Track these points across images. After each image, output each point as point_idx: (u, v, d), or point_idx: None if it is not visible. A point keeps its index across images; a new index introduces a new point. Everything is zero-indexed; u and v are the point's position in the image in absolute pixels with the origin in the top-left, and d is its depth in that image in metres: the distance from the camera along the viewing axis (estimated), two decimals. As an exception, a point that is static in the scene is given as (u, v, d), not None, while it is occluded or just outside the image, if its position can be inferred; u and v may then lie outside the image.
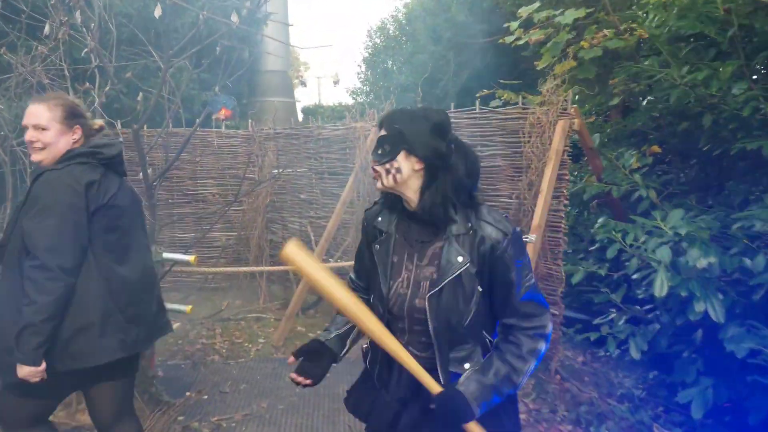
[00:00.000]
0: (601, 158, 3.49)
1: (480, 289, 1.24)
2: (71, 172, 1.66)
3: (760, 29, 2.72)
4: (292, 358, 1.37)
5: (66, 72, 2.95)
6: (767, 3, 2.60)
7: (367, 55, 12.17)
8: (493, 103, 4.05)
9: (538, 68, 3.75)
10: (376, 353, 1.38)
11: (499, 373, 1.21)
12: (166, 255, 2.75)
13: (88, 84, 2.96)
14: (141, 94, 3.06)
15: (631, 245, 2.48)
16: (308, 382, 1.33)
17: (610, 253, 2.56)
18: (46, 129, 1.70)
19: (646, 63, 3.15)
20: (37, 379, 1.59)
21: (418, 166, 1.23)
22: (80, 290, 1.64)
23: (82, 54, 2.87)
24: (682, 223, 2.24)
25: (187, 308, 2.82)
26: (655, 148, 3.53)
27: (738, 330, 2.04)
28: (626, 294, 2.78)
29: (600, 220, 3.03)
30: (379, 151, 1.25)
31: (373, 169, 1.28)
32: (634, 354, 2.44)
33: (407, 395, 1.32)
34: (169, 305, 2.84)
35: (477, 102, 3.60)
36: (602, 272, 2.86)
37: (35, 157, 1.73)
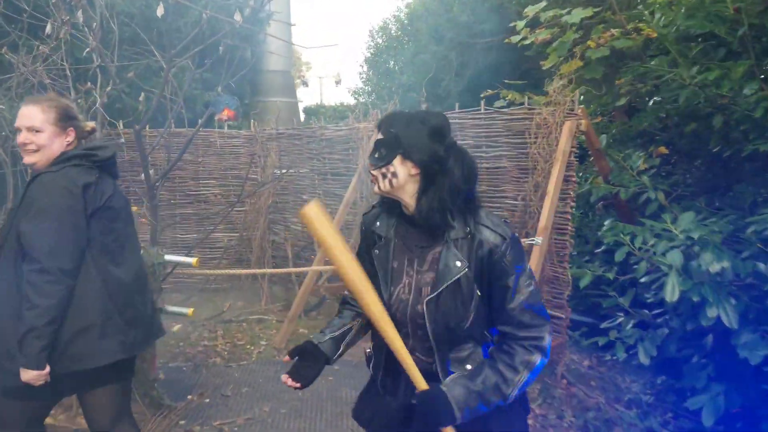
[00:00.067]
0: (607, 159, 3.45)
1: (479, 294, 1.23)
2: (67, 174, 1.65)
3: (772, 29, 2.69)
4: (287, 357, 1.37)
5: (67, 72, 2.93)
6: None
7: (369, 55, 12.16)
8: (498, 104, 4.01)
9: (544, 68, 3.71)
10: (380, 358, 1.36)
11: (488, 381, 1.19)
12: (168, 257, 2.72)
13: (89, 84, 2.93)
14: (143, 94, 3.04)
15: (639, 248, 2.44)
16: (297, 385, 1.31)
17: (619, 256, 2.52)
18: (40, 131, 1.68)
19: (653, 63, 3.11)
20: (41, 382, 1.59)
21: (414, 171, 1.21)
22: (79, 292, 1.64)
23: (84, 54, 2.85)
24: (694, 226, 2.20)
25: (189, 311, 2.78)
26: (662, 149, 3.49)
27: (752, 336, 2.00)
28: (634, 297, 2.74)
29: (607, 223, 2.99)
30: (376, 155, 1.24)
31: (371, 173, 1.26)
32: (643, 359, 2.41)
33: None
34: (170, 308, 2.83)
35: (482, 102, 3.57)
36: (610, 276, 2.82)
37: (28, 159, 1.70)
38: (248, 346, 3.89)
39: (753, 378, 2.18)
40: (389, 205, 1.33)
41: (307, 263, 4.61)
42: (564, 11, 3.51)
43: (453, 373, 1.24)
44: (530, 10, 3.68)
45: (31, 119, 1.68)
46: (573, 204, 3.17)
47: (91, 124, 1.87)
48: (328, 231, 1.22)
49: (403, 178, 1.22)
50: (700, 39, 3.18)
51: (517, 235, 1.26)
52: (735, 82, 2.64)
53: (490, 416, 1.22)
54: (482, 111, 3.52)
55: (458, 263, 1.21)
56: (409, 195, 1.24)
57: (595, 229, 3.86)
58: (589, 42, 3.44)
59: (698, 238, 2.16)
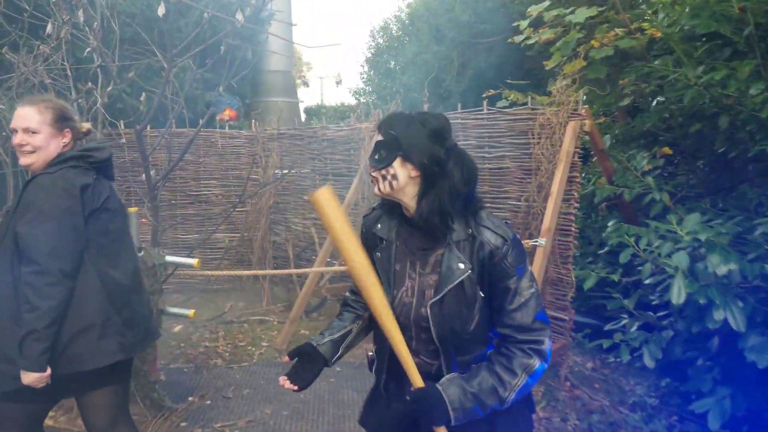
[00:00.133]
0: (611, 160, 3.43)
1: (482, 295, 1.22)
2: (65, 175, 1.64)
3: (778, 29, 2.66)
4: (287, 359, 1.36)
5: (68, 72, 2.92)
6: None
7: (370, 55, 12.15)
8: (500, 104, 3.99)
9: (547, 68, 3.69)
10: (383, 362, 1.35)
11: (484, 384, 1.17)
12: (169, 258, 2.71)
13: (90, 84, 2.92)
14: (144, 94, 3.03)
15: (644, 250, 2.42)
16: (294, 388, 1.30)
17: (623, 257, 2.50)
18: (36, 132, 1.67)
19: (657, 63, 3.08)
20: (43, 385, 1.58)
21: (414, 173, 1.20)
22: (78, 293, 1.63)
23: (85, 53, 2.84)
24: (700, 228, 2.18)
25: (190, 312, 2.77)
26: (666, 150, 3.46)
27: (759, 339, 1.98)
28: (638, 299, 2.72)
29: (611, 224, 2.97)
30: (376, 157, 1.23)
31: (371, 175, 1.25)
32: (648, 362, 2.38)
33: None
34: (171, 309, 2.82)
35: (484, 102, 3.54)
36: (615, 278, 2.80)
37: (24, 160, 1.69)
38: (249, 348, 3.87)
39: (759, 381, 2.15)
40: (390, 207, 1.32)
41: (309, 264, 4.60)
42: (568, 11, 3.50)
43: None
44: (533, 10, 3.66)
45: (28, 120, 1.66)
46: (577, 205, 3.14)
47: (87, 125, 1.86)
48: (337, 217, 1.20)
49: (404, 180, 1.21)
50: (705, 38, 3.15)
51: (518, 236, 1.25)
52: (741, 82, 2.61)
53: (495, 417, 1.20)
54: (485, 111, 3.50)
55: (461, 265, 1.20)
56: (409, 197, 1.23)
57: (599, 230, 3.84)
58: (592, 42, 3.42)
59: (705, 240, 2.13)
